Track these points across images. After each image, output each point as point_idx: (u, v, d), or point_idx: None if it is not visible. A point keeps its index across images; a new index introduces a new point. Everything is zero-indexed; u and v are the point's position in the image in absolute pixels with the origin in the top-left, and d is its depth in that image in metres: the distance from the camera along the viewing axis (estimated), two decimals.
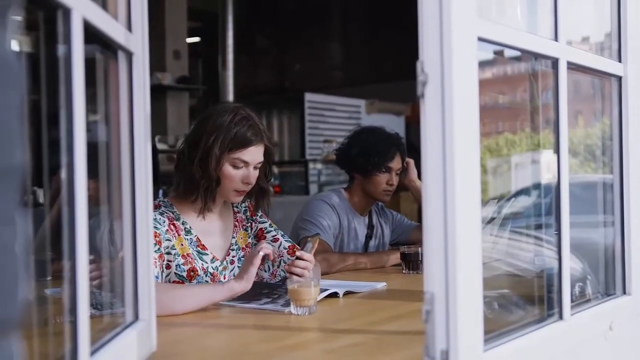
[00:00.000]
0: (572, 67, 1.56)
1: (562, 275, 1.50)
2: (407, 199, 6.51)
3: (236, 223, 2.36)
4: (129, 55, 1.34)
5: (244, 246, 2.36)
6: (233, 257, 2.32)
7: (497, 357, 1.27)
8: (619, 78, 1.79)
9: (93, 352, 1.08)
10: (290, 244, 2.37)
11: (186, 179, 2.20)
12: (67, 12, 0.99)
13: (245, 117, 2.20)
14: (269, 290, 2.13)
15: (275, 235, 2.39)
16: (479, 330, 1.21)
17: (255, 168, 2.22)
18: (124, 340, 1.24)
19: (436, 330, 1.17)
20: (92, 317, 1.07)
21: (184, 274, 2.15)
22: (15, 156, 0.55)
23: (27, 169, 0.58)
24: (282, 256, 2.33)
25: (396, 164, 3.00)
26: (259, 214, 2.42)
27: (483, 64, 1.29)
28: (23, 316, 0.56)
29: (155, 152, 6.37)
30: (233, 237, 2.34)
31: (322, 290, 2.03)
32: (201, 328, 1.78)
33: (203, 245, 2.23)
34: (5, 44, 0.55)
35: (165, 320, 1.72)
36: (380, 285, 2.33)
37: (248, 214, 2.41)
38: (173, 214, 2.20)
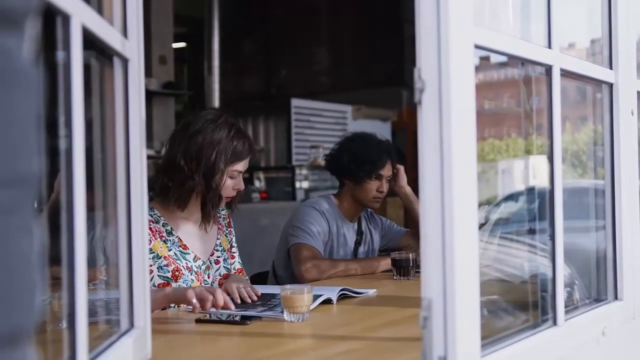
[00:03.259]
0: (564, 73, 1.57)
1: (555, 281, 1.51)
2: (394, 205, 6.52)
3: (219, 226, 2.44)
4: (125, 61, 1.34)
5: (227, 249, 2.44)
6: (218, 257, 2.39)
7: None
8: (610, 85, 1.80)
9: None
10: (240, 267, 2.48)
11: (185, 191, 2.24)
12: (66, 18, 0.98)
13: (239, 130, 2.30)
14: (263, 301, 2.12)
15: (235, 253, 2.50)
16: (476, 336, 1.22)
17: (243, 175, 2.34)
18: (120, 348, 1.24)
19: (434, 337, 1.17)
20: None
21: (169, 274, 2.19)
22: (33, 165, 0.55)
23: (40, 177, 0.58)
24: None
25: (387, 171, 3.00)
26: (232, 227, 2.52)
27: None
28: (37, 325, 0.56)
29: None
30: (218, 239, 2.41)
31: (316, 297, 2.02)
32: (195, 335, 1.77)
33: (185, 245, 2.28)
34: (22, 52, 0.55)
35: (159, 327, 1.71)
36: (372, 292, 2.33)
37: (226, 222, 2.49)
38: (152, 216, 2.24)
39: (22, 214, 0.54)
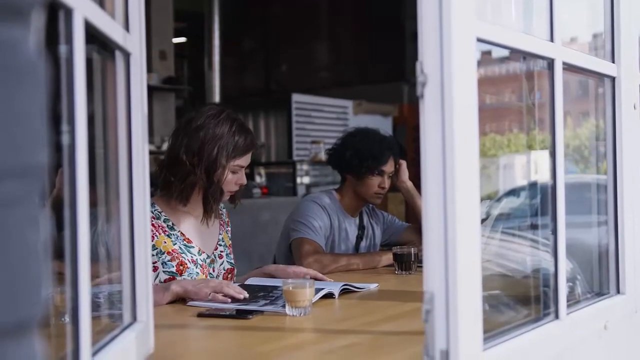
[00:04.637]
0: (567, 67, 1.57)
1: (558, 276, 1.51)
2: (394, 200, 6.53)
3: (221, 222, 2.46)
4: (127, 55, 1.33)
5: (228, 245, 2.46)
6: (221, 252, 2.41)
7: (496, 356, 1.28)
8: (613, 79, 1.80)
9: (94, 354, 1.08)
10: (230, 267, 2.45)
11: (187, 185, 2.25)
12: (69, 12, 0.98)
13: (242, 125, 2.31)
14: (265, 292, 2.13)
15: (229, 252, 2.48)
16: (478, 330, 1.22)
17: (245, 170, 2.35)
18: (123, 342, 1.24)
19: (436, 330, 1.17)
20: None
21: (173, 269, 2.20)
22: (40, 157, 0.55)
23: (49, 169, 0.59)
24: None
25: (389, 167, 3.00)
26: (229, 225, 2.54)
27: None
28: (43, 316, 0.57)
29: None
30: (220, 234, 2.43)
31: (318, 291, 2.03)
32: (198, 330, 1.78)
33: (188, 239, 2.30)
34: (28, 44, 0.55)
35: (162, 321, 1.71)
36: (374, 286, 2.33)
37: (226, 220, 2.51)
38: (153, 212, 2.24)
39: (28, 206, 0.54)
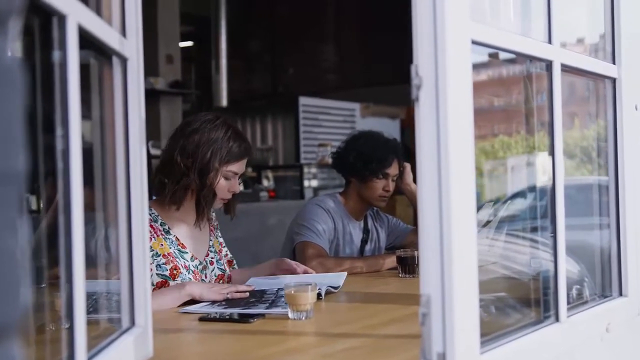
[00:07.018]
0: (566, 69, 1.56)
1: (558, 277, 1.50)
2: (402, 203, 6.51)
3: (211, 228, 2.49)
4: (124, 60, 1.34)
5: (218, 251, 2.48)
6: (212, 258, 2.43)
7: (494, 359, 1.27)
8: (613, 80, 1.79)
9: (90, 358, 1.08)
10: (220, 273, 2.45)
11: (180, 187, 2.27)
12: (62, 18, 0.99)
13: (237, 132, 2.34)
14: (256, 298, 2.12)
15: (219, 258, 2.48)
16: (475, 333, 1.21)
17: (239, 178, 2.37)
18: (120, 346, 1.24)
19: (432, 333, 1.17)
20: (87, 322, 1.06)
21: (167, 272, 2.22)
22: (18, 161, 0.56)
23: (27, 174, 0.59)
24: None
25: (393, 170, 3.00)
26: (218, 229, 2.56)
27: (478, 67, 1.29)
28: (23, 321, 0.57)
29: (148, 157, 6.36)
30: (210, 240, 2.45)
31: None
32: (197, 334, 1.78)
33: (182, 244, 2.32)
34: (5, 50, 0.55)
35: (162, 326, 1.72)
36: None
37: (216, 224, 2.54)
38: (151, 215, 2.27)
39: (6, 211, 0.54)
